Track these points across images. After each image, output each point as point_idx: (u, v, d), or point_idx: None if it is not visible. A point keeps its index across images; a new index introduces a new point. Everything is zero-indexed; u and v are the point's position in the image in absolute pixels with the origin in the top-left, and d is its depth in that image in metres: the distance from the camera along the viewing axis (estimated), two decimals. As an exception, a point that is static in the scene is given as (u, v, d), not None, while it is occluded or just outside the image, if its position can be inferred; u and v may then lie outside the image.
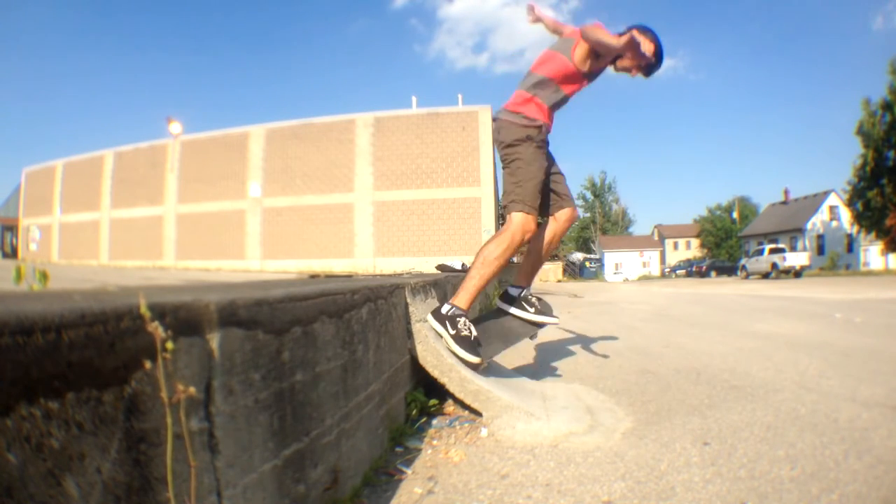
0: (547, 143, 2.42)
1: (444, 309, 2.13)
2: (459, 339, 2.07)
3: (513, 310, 2.57)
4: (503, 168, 2.39)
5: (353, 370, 1.36)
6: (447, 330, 2.07)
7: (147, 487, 0.65)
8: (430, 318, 2.11)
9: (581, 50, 2.27)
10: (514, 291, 2.60)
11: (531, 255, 2.58)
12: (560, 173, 2.51)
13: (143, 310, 0.65)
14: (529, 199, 2.25)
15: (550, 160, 2.45)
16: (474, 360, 2.05)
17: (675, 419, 2.04)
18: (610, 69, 2.44)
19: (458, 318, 2.11)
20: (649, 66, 2.35)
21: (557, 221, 2.48)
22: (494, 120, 2.44)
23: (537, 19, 2.77)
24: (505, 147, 2.33)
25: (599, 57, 2.28)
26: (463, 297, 2.22)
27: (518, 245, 2.27)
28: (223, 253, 19.27)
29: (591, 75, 2.38)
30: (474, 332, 2.14)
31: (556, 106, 2.38)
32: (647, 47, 2.28)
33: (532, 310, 2.56)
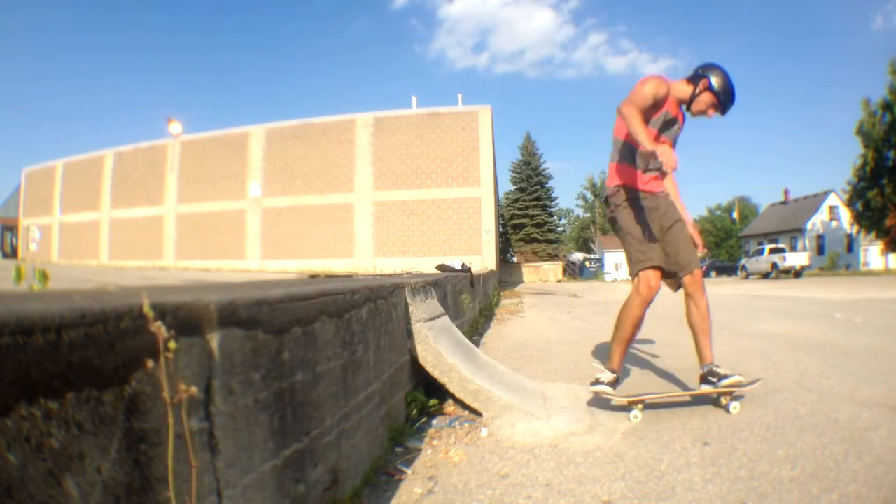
0: (639, 197, 2.31)
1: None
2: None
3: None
4: None
5: (353, 370, 1.36)
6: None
7: (147, 487, 0.65)
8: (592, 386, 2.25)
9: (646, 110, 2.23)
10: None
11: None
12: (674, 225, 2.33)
13: (147, 309, 0.64)
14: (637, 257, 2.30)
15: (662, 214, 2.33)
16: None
17: (674, 419, 2.04)
18: (688, 114, 2.37)
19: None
20: (723, 105, 2.31)
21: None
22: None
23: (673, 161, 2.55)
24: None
25: (656, 107, 2.22)
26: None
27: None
28: (223, 253, 19.27)
29: (662, 125, 2.28)
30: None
31: (640, 165, 2.29)
32: (706, 99, 2.26)
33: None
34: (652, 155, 2.02)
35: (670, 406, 2.24)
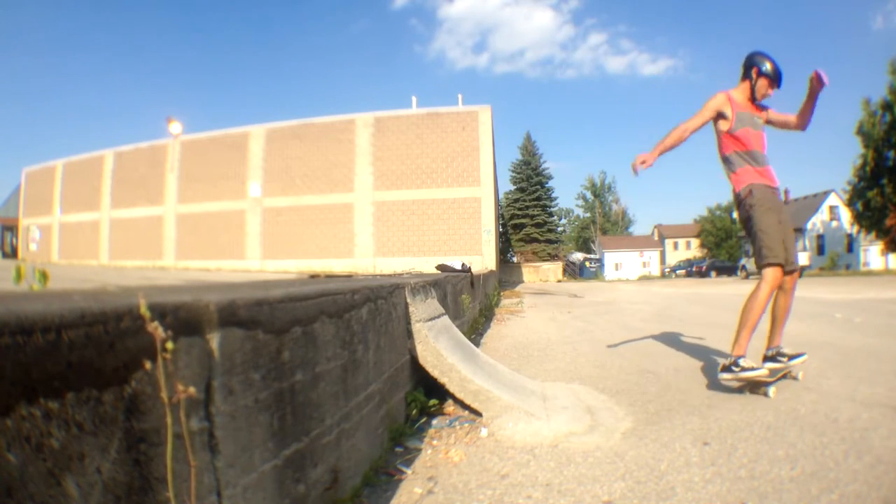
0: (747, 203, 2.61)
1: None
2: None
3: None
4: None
5: (353, 370, 1.36)
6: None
7: (147, 487, 0.65)
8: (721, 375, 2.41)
9: (718, 126, 2.63)
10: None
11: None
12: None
13: (144, 310, 0.64)
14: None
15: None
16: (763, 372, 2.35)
17: (675, 419, 2.04)
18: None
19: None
20: (776, 81, 2.63)
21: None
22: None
23: (649, 162, 2.83)
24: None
25: (722, 118, 2.61)
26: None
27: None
28: (223, 253, 19.26)
29: (737, 125, 2.58)
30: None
31: (751, 162, 2.59)
32: (762, 84, 2.60)
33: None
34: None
35: (670, 406, 2.24)
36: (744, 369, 2.31)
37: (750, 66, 2.61)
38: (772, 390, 2.34)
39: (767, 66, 2.59)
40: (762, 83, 2.59)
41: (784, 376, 2.57)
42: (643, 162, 2.59)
